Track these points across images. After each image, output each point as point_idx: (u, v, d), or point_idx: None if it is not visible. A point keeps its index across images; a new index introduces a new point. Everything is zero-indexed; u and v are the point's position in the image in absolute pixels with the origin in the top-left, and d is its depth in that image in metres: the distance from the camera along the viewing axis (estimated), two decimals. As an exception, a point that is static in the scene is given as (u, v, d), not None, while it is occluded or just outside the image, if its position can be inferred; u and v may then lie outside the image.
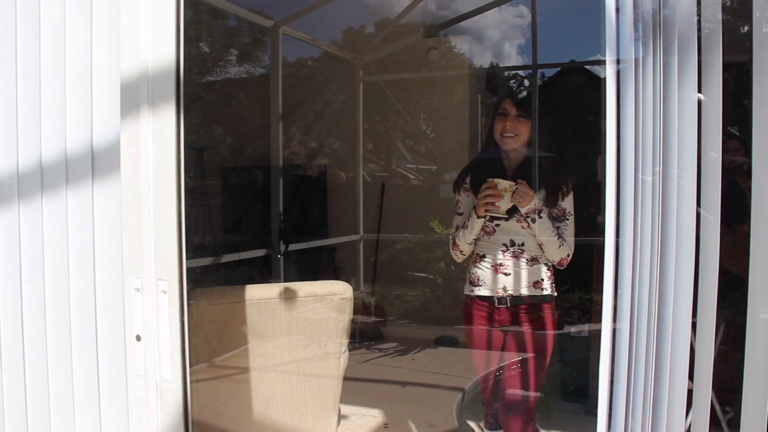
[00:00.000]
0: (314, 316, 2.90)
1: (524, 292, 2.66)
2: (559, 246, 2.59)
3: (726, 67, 1.24)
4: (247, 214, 5.85)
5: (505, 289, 2.67)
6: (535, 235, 2.62)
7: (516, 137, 2.63)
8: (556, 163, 2.73)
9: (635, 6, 1.26)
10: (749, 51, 1.23)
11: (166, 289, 1.52)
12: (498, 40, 6.40)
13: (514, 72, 6.26)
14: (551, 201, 2.60)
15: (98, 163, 1.60)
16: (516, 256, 2.63)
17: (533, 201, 2.52)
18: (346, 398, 2.91)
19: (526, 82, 6.19)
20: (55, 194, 1.66)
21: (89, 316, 1.63)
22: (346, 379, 2.76)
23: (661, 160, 1.25)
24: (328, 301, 2.78)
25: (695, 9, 1.25)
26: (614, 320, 1.29)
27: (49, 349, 1.69)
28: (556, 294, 2.72)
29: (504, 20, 5.73)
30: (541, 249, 2.63)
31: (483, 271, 2.70)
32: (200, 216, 5.68)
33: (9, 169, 1.71)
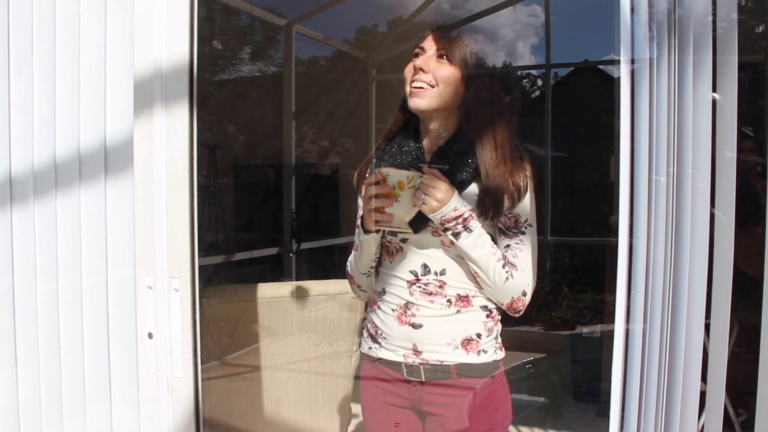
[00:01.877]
0: (326, 314, 2.90)
1: (447, 357, 1.60)
2: (506, 279, 1.56)
3: (742, 67, 1.23)
4: (260, 212, 5.87)
5: (415, 350, 1.62)
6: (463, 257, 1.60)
7: (431, 91, 1.58)
8: (502, 140, 1.63)
9: (650, 5, 1.26)
10: (764, 51, 1.23)
11: (178, 287, 1.51)
12: (511, 39, 6.39)
13: (527, 71, 6.24)
14: (494, 204, 1.58)
15: (111, 160, 1.60)
16: (431, 293, 1.59)
17: (451, 203, 1.51)
18: (357, 397, 2.92)
19: (539, 82, 6.18)
20: (69, 192, 1.67)
21: (101, 313, 1.64)
22: (357, 378, 2.75)
23: (675, 160, 1.24)
24: (340, 300, 2.78)
25: (710, 8, 1.24)
26: (627, 321, 1.28)
27: (62, 345, 1.71)
28: (503, 355, 1.67)
29: (518, 19, 5.72)
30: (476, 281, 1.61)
31: (382, 317, 1.67)
32: (213, 214, 5.70)
33: (24, 166, 1.73)
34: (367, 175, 1.71)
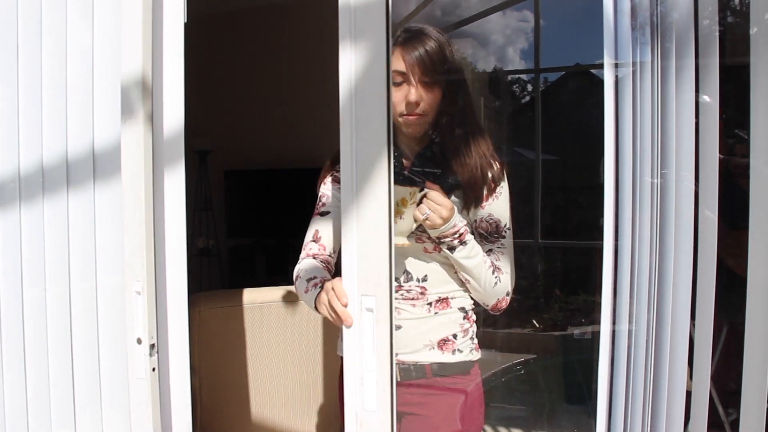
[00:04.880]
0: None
1: (423, 357, 1.62)
2: (495, 284, 1.61)
3: (731, 69, 1.24)
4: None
5: None
6: (446, 262, 1.63)
7: (424, 118, 1.59)
8: (477, 144, 1.63)
9: (633, 9, 1.27)
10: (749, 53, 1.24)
11: (372, 306, 1.34)
12: (501, 44, 6.41)
13: (516, 76, 6.26)
14: (473, 207, 1.62)
15: (100, 166, 1.60)
16: (412, 298, 1.61)
17: (452, 219, 1.53)
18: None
19: (529, 87, 6.20)
20: (57, 198, 1.67)
21: (90, 318, 1.64)
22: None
23: (659, 162, 1.25)
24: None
25: (693, 12, 1.25)
26: (613, 322, 1.29)
27: (50, 352, 1.70)
28: (478, 356, 1.68)
29: (507, 24, 5.75)
30: (457, 284, 1.65)
31: None
32: (204, 220, 5.70)
33: (11, 171, 1.73)
34: (336, 173, 1.67)
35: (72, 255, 1.66)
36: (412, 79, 1.56)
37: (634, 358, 1.29)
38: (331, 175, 1.71)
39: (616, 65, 1.28)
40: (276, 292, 2.88)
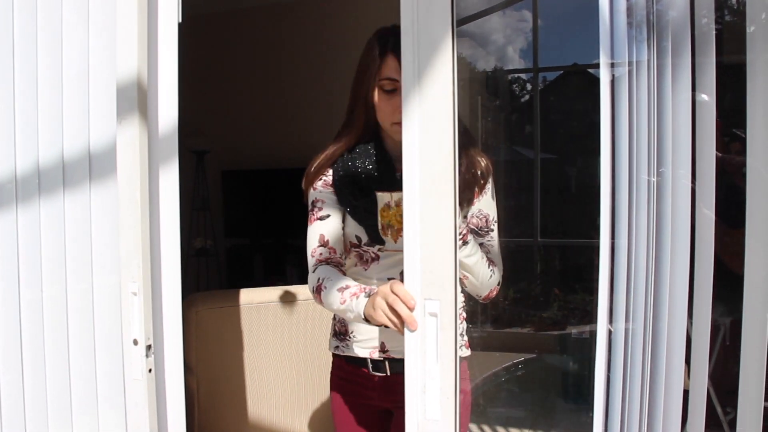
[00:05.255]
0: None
1: None
2: (490, 276, 1.64)
3: (729, 67, 1.24)
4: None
5: (383, 347, 1.69)
6: None
7: None
8: (466, 147, 1.65)
9: (629, 8, 1.27)
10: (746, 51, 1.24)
11: (436, 310, 1.29)
12: (500, 43, 6.41)
13: (516, 75, 6.26)
14: (465, 205, 1.66)
15: (96, 166, 1.60)
16: None
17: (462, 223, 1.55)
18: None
19: (529, 86, 6.20)
20: (53, 198, 1.66)
21: (87, 319, 1.64)
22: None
23: (656, 161, 1.25)
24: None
25: (689, 11, 1.25)
26: (610, 321, 1.29)
27: (47, 353, 1.70)
28: (468, 353, 1.74)
29: (507, 24, 5.75)
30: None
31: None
32: (201, 219, 5.70)
33: (7, 173, 1.72)
34: (330, 176, 1.67)
35: (68, 255, 1.65)
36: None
37: (631, 356, 1.29)
38: (320, 180, 1.69)
39: (613, 64, 1.28)
40: (273, 293, 2.89)
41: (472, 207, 1.66)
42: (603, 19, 1.28)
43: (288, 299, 2.87)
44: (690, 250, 1.25)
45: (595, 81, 1.28)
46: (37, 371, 1.72)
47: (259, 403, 2.87)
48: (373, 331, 1.68)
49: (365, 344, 1.71)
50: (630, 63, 1.27)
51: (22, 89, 1.69)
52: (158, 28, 1.50)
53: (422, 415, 1.29)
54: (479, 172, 1.65)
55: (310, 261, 1.66)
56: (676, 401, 1.27)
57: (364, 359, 1.71)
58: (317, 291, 1.58)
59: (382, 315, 1.35)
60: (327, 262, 1.64)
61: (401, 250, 1.42)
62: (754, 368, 1.24)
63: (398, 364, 1.65)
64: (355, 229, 1.67)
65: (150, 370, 1.50)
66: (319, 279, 1.58)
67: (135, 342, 1.50)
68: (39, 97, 1.67)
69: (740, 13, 1.24)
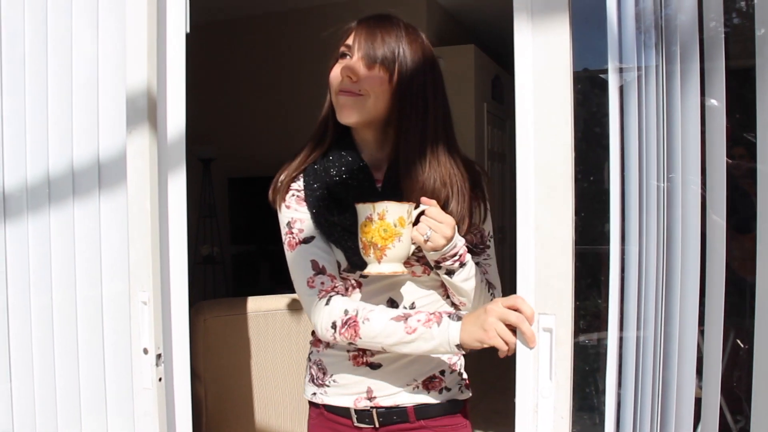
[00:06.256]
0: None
1: (405, 399, 1.41)
2: (490, 300, 1.39)
3: (737, 72, 1.24)
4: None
5: (369, 394, 1.42)
6: (435, 285, 1.44)
7: (359, 101, 1.35)
8: (455, 154, 1.44)
9: (637, 13, 1.26)
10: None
11: (551, 325, 1.22)
12: (505, 47, 6.41)
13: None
14: (464, 223, 1.40)
15: (104, 175, 1.60)
16: None
17: (455, 239, 1.32)
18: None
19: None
20: (63, 206, 1.67)
21: (96, 328, 1.64)
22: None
23: (665, 166, 1.25)
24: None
25: (697, 15, 1.25)
26: (621, 329, 1.28)
27: (57, 361, 1.70)
28: (469, 395, 1.50)
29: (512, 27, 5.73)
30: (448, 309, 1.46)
31: (333, 358, 1.45)
32: (208, 226, 5.71)
33: (18, 181, 1.73)
34: (301, 189, 1.46)
35: (78, 263, 1.66)
36: (355, 52, 1.36)
37: (642, 364, 1.28)
38: (292, 195, 1.46)
39: (621, 69, 1.27)
40: (280, 301, 2.89)
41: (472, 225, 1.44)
42: (611, 23, 1.27)
43: (295, 307, 2.87)
44: (701, 256, 1.24)
45: (604, 85, 1.28)
46: (47, 377, 1.72)
47: (266, 411, 2.87)
48: (356, 374, 1.42)
49: (348, 390, 1.43)
50: (639, 68, 1.26)
51: (33, 99, 1.70)
52: (167, 38, 1.51)
53: None
54: (477, 185, 1.45)
55: (309, 293, 1.39)
56: (687, 409, 1.26)
57: (347, 409, 1.43)
58: (348, 325, 1.32)
59: (496, 336, 1.21)
60: (334, 290, 1.39)
61: (388, 275, 1.31)
62: (766, 375, 1.23)
63: (389, 415, 1.41)
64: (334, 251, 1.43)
65: (160, 379, 1.50)
66: (346, 311, 1.33)
67: (145, 351, 1.50)
68: (49, 106, 1.68)
69: (749, 16, 1.24)
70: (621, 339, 1.28)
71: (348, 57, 1.37)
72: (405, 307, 1.40)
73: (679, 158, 1.24)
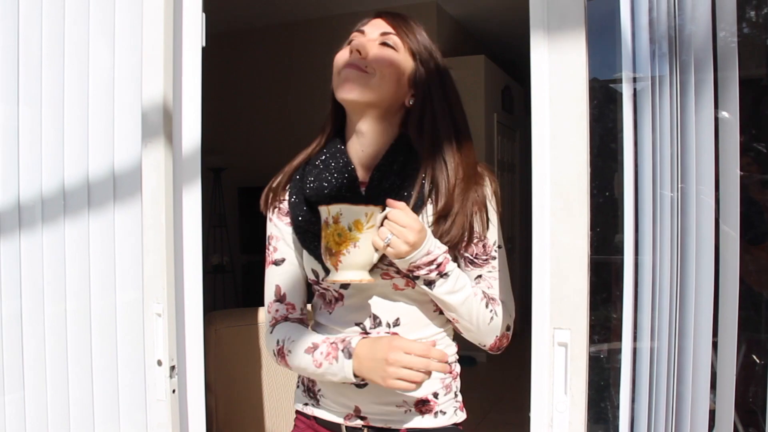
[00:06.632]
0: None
1: (397, 422, 1.34)
2: (491, 320, 1.30)
3: (748, 82, 1.23)
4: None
5: (357, 412, 1.35)
6: (422, 300, 1.32)
7: (365, 77, 1.27)
8: (460, 150, 1.33)
9: (651, 23, 1.26)
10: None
11: (566, 340, 1.21)
12: (515, 58, 6.41)
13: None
14: (460, 232, 1.28)
15: (120, 187, 1.61)
16: None
17: (424, 245, 1.20)
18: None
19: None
20: (78, 217, 1.68)
21: (110, 338, 1.64)
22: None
23: (679, 177, 1.24)
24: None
25: (711, 25, 1.25)
26: (634, 339, 1.28)
27: (70, 371, 1.71)
28: (464, 417, 1.41)
29: (522, 36, 5.74)
30: (437, 326, 1.36)
31: None
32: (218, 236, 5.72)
33: (33, 193, 1.74)
34: (286, 198, 1.40)
35: (92, 273, 1.66)
36: (367, 34, 1.33)
37: (656, 376, 1.27)
38: (275, 208, 1.42)
39: (635, 79, 1.27)
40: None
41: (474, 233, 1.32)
42: (624, 33, 1.27)
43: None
44: (714, 267, 1.24)
45: (617, 96, 1.28)
46: (60, 389, 1.72)
47: (276, 422, 2.87)
48: (342, 391, 1.34)
49: (337, 405, 1.36)
50: (652, 78, 1.26)
51: (49, 111, 1.71)
52: (183, 52, 1.52)
53: None
54: (477, 194, 1.32)
55: (267, 318, 1.41)
56: (702, 423, 1.25)
57: (338, 425, 1.36)
58: (280, 355, 1.35)
59: (396, 383, 1.18)
60: (285, 320, 1.40)
61: (350, 283, 1.22)
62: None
63: None
64: (309, 261, 1.37)
65: (174, 391, 1.50)
66: (278, 342, 1.35)
67: (159, 363, 1.50)
68: (65, 119, 1.69)
69: (760, 26, 1.24)
70: (634, 352, 1.28)
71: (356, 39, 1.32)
72: (389, 324, 1.30)
73: (693, 168, 1.23)
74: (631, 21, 1.27)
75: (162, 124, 1.48)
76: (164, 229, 1.48)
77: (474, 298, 1.28)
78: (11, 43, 1.75)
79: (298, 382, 1.47)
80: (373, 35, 1.31)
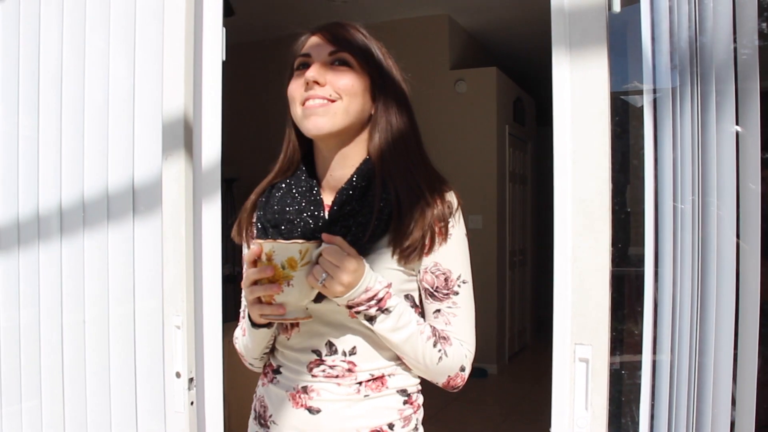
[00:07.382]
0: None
1: None
2: (439, 359, 1.20)
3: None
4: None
5: None
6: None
7: (334, 106, 1.20)
8: (418, 172, 1.24)
9: (671, 35, 1.26)
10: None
11: (586, 355, 1.21)
12: (527, 69, 6.41)
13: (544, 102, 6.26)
14: (409, 257, 1.19)
15: (139, 200, 1.62)
16: (336, 376, 1.21)
17: (361, 283, 1.13)
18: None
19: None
20: (97, 229, 1.69)
21: (129, 349, 1.65)
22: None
23: (700, 190, 1.24)
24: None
25: (732, 37, 1.25)
26: (654, 352, 1.27)
27: (88, 380, 1.71)
28: None
29: (534, 48, 5.75)
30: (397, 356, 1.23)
31: (273, 397, 1.28)
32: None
33: (53, 205, 1.75)
34: (251, 224, 1.34)
35: (111, 284, 1.67)
36: (314, 57, 1.24)
37: (677, 389, 1.27)
38: (247, 234, 1.36)
39: (654, 91, 1.27)
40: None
41: (425, 258, 1.22)
42: (645, 47, 1.27)
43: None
44: (735, 281, 1.23)
45: (631, 108, 1.28)
46: (78, 398, 1.73)
47: None
48: (295, 417, 1.24)
49: (288, 429, 1.25)
50: (672, 90, 1.26)
51: (70, 124, 1.73)
52: (203, 66, 1.53)
53: None
54: (436, 212, 1.21)
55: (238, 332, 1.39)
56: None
57: None
58: (236, 346, 1.37)
59: (251, 302, 1.15)
60: None
61: (299, 320, 1.15)
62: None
63: None
64: None
65: (192, 403, 1.50)
66: (235, 337, 1.38)
67: (178, 375, 1.50)
68: (86, 131, 1.70)
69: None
70: (654, 366, 1.27)
71: (307, 68, 1.23)
72: (345, 352, 1.22)
73: (714, 182, 1.23)
74: (651, 35, 1.27)
75: (183, 137, 1.49)
76: (184, 242, 1.49)
77: (419, 336, 1.19)
78: (32, 56, 1.77)
79: (252, 410, 1.37)
80: (321, 57, 1.23)
